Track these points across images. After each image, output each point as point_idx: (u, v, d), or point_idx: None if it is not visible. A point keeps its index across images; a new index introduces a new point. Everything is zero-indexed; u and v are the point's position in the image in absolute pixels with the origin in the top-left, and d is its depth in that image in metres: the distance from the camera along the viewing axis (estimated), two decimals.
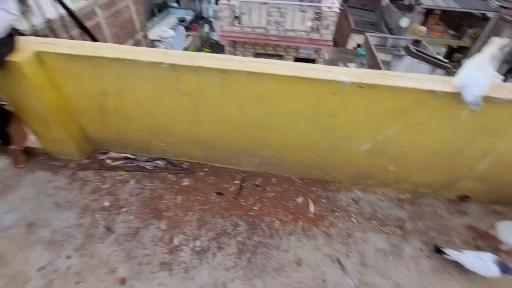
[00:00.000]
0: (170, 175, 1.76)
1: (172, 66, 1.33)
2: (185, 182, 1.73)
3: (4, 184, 1.68)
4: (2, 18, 1.22)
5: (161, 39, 16.72)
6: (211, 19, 20.11)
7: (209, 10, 20.12)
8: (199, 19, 22.79)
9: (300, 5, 9.93)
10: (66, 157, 1.83)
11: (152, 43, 17.03)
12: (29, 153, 1.84)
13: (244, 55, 10.40)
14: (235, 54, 10.36)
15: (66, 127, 1.64)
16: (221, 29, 9.33)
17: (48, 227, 1.46)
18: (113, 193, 1.65)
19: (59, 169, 1.78)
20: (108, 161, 1.84)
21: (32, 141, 1.81)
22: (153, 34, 19.51)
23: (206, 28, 20.38)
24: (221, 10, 8.94)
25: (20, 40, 1.39)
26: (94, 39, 2.26)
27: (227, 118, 1.51)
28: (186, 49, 14.13)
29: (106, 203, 1.58)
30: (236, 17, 9.42)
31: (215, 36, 20.17)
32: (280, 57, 10.29)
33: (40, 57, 1.41)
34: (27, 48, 1.39)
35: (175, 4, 24.90)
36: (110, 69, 1.41)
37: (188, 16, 23.23)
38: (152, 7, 23.73)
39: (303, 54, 9.96)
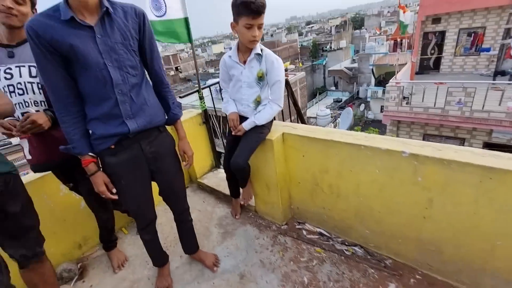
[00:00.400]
0: (371, 270, 1.55)
1: (414, 156, 1.26)
2: (391, 285, 1.45)
3: (225, 229, 2.07)
4: (276, 111, 1.64)
5: (317, 116, 18.54)
6: (368, 99, 20.58)
7: (367, 91, 20.85)
8: (355, 99, 23.97)
9: (493, 83, 8.28)
10: (270, 219, 2.07)
11: (308, 120, 19.22)
12: (242, 207, 2.24)
13: (410, 136, 9.46)
14: (398, 134, 9.63)
15: (281, 193, 1.89)
16: (386, 109, 9.14)
17: (255, 284, 1.58)
18: (311, 270, 1.62)
19: (264, 228, 2.01)
20: (304, 232, 1.91)
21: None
22: (310, 112, 22.10)
23: (362, 107, 20.90)
24: (389, 91, 8.89)
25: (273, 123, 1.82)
26: (301, 115, 2.71)
27: (476, 224, 1.20)
28: (352, 128, 14.69)
29: (305, 279, 1.56)
30: (405, 97, 9.04)
31: (370, 115, 20.15)
32: (461, 140, 8.54)
33: (283, 136, 1.77)
34: (276, 129, 1.79)
35: (333, 88, 27.84)
36: (340, 151, 1.53)
37: (344, 97, 25.06)
38: (313, 91, 27.58)
39: (499, 139, 7.78)
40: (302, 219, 2.00)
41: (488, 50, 9.84)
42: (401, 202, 1.40)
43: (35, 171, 1.53)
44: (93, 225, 1.87)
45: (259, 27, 1.45)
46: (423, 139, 9.32)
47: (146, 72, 1.26)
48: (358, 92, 24.14)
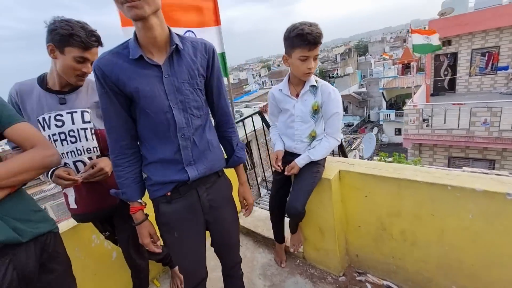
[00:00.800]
0: None
1: None
2: None
3: (271, 282, 1.80)
4: (333, 145, 1.48)
5: None
6: (381, 122, 20.33)
7: (379, 114, 20.68)
8: (366, 123, 23.78)
9: None
10: (323, 268, 1.80)
11: None
12: (287, 253, 1.98)
13: (434, 159, 9.05)
14: (420, 157, 9.24)
15: (337, 239, 1.65)
16: (406, 132, 8.87)
17: None
18: None
19: (318, 280, 1.74)
20: (368, 286, 1.63)
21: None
22: None
23: (375, 130, 20.61)
24: (407, 114, 8.70)
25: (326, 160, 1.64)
26: (343, 148, 2.53)
27: None
28: (375, 153, 14.13)
29: None
30: (424, 120, 8.81)
31: (385, 138, 19.77)
32: (490, 162, 8.08)
33: (340, 174, 1.58)
34: (331, 166, 1.61)
35: (343, 112, 27.83)
36: (417, 192, 1.31)
37: (355, 121, 24.93)
38: None
39: None
40: (362, 268, 1.73)
41: (506, 68, 9.70)
42: (505, 254, 1.15)
43: (79, 221, 1.41)
44: (124, 279, 1.67)
45: (315, 58, 1.35)
46: (449, 162, 8.90)
47: (209, 112, 1.14)
48: (369, 115, 24.02)
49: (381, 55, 31.57)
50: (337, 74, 30.83)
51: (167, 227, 1.09)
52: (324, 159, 1.58)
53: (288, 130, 1.54)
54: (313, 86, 1.43)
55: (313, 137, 1.50)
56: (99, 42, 1.16)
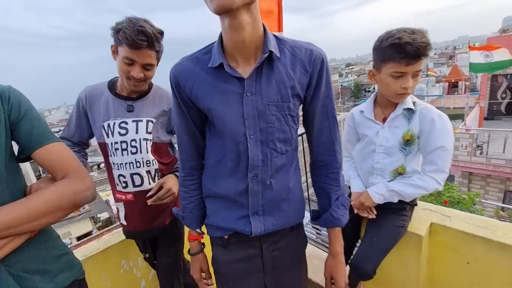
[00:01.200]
0: None
1: None
2: None
3: None
4: (429, 188, 1.12)
5: None
6: None
7: None
8: None
9: None
10: None
11: None
12: None
13: (486, 191, 8.06)
14: (469, 188, 8.28)
15: None
16: (455, 158, 8.00)
17: None
18: None
19: None
20: None
21: None
22: None
23: None
24: (458, 139, 7.84)
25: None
26: None
27: None
28: None
29: None
30: (478, 146, 7.89)
31: None
32: None
33: (431, 228, 1.22)
34: (418, 216, 1.26)
35: None
36: None
37: None
38: None
39: None
40: None
41: None
42: None
43: (127, 237, 1.35)
44: None
45: (415, 75, 1.03)
46: (504, 196, 7.85)
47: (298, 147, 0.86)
48: None
49: (423, 71, 29.73)
50: (374, 88, 29.60)
51: (219, 278, 0.91)
52: (413, 208, 1.23)
53: (365, 162, 1.22)
54: (409, 109, 1.10)
55: (399, 174, 1.16)
56: (150, 44, 0.96)
